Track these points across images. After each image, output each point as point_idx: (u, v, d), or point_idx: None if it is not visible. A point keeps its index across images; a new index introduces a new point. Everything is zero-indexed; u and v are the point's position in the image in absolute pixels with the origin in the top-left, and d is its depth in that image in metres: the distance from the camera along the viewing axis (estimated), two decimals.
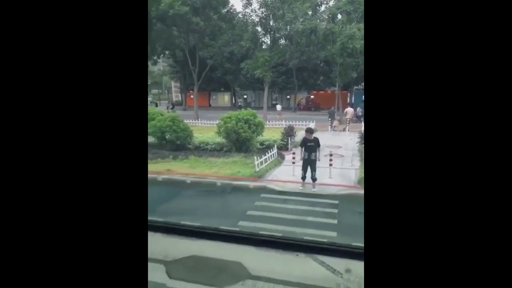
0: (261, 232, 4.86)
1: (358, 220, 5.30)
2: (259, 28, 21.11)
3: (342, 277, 1.16)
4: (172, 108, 27.00)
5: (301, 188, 7.26)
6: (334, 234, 5.02)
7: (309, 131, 7.51)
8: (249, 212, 6.02)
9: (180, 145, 11.11)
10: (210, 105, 38.03)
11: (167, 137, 10.87)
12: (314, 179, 7.15)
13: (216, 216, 5.82)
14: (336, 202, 6.44)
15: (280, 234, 4.63)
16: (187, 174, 8.17)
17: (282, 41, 22.42)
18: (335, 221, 5.53)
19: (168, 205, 6.53)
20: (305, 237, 4.48)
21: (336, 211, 6.01)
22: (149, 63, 25.16)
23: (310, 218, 5.65)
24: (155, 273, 1.29)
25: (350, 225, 5.25)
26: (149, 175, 8.55)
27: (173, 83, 46.76)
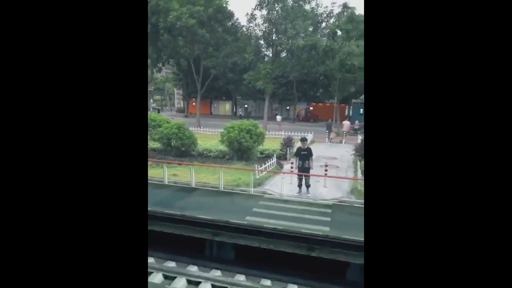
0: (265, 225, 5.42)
1: (348, 219, 5.95)
2: (261, 42, 21.96)
3: None
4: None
5: (297, 194, 7.89)
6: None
7: (304, 140, 8.24)
8: (254, 209, 6.62)
9: (185, 151, 11.73)
10: (211, 113, 38.65)
11: (172, 143, 11.49)
12: (308, 185, 7.82)
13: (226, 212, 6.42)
14: (330, 208, 7.05)
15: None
16: (202, 180, 8.76)
17: (284, 54, 23.17)
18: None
19: (183, 202, 7.19)
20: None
21: (329, 211, 6.62)
22: (154, 70, 25.89)
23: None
24: None
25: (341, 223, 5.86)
26: (156, 179, 9.04)
27: (175, 90, 47.55)
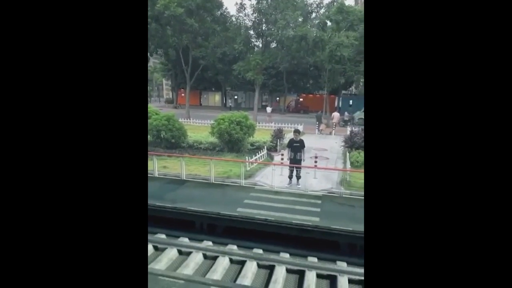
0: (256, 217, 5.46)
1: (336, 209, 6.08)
2: (251, 32, 21.74)
3: None
4: None
5: (287, 186, 7.98)
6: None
7: (296, 132, 8.28)
8: (245, 201, 6.67)
9: (175, 143, 11.64)
10: (201, 104, 38.33)
11: (162, 135, 11.38)
12: (298, 177, 7.90)
13: (218, 203, 6.45)
14: (320, 198, 7.17)
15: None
16: (194, 172, 8.73)
17: (274, 45, 23.04)
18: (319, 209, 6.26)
19: (175, 195, 7.17)
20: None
21: (319, 201, 6.74)
22: None
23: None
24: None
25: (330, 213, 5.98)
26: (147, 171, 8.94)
27: (164, 81, 46.81)
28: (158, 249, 5.07)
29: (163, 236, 5.54)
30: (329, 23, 21.49)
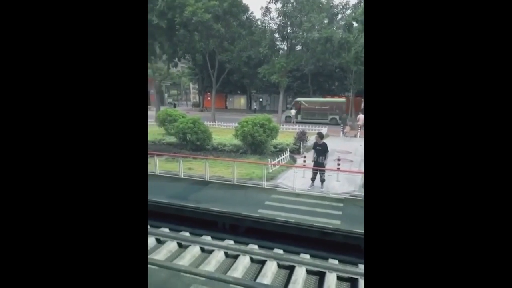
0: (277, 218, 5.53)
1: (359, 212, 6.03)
2: (276, 35, 21.86)
3: None
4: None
5: (309, 188, 7.98)
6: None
7: (319, 135, 8.26)
8: (266, 203, 6.79)
9: (200, 145, 12.00)
10: (226, 107, 38.93)
11: (188, 138, 11.77)
12: (322, 180, 7.89)
13: (239, 204, 6.62)
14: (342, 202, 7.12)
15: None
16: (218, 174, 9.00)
17: (299, 48, 23.00)
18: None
19: (199, 195, 7.44)
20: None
21: (341, 204, 6.70)
22: (170, 65, 26.31)
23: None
24: None
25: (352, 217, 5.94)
26: (173, 172, 9.29)
27: (191, 85, 48.12)
28: (182, 246, 5.28)
29: (187, 234, 5.76)
30: (355, 24, 21.13)
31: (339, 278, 4.34)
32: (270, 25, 21.66)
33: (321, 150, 7.91)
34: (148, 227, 5.55)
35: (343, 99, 24.79)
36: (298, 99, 25.60)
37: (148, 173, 8.22)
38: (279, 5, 20.14)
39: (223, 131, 17.07)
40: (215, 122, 21.07)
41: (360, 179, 8.69)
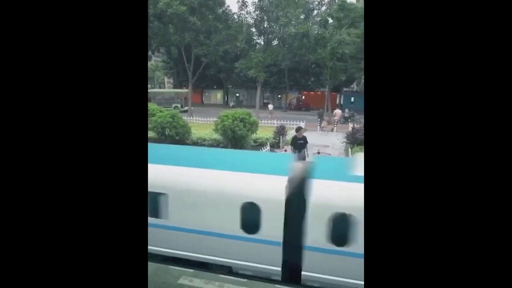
0: None
1: None
2: (253, 29, 21.76)
3: None
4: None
5: None
6: None
7: (299, 129, 8.38)
8: None
9: (179, 140, 11.78)
10: (203, 102, 38.33)
11: (167, 132, 11.52)
12: None
13: None
14: None
15: None
16: None
17: (275, 43, 23.06)
18: None
19: None
20: None
21: None
22: None
23: None
24: None
25: None
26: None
27: (166, 79, 46.92)
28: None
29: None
30: (330, 21, 21.47)
31: None
32: (247, 19, 21.54)
33: (302, 144, 8.05)
34: None
35: (185, 90, 27.95)
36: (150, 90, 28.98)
37: None
38: None
39: (201, 126, 16.84)
40: (192, 117, 20.75)
41: None
